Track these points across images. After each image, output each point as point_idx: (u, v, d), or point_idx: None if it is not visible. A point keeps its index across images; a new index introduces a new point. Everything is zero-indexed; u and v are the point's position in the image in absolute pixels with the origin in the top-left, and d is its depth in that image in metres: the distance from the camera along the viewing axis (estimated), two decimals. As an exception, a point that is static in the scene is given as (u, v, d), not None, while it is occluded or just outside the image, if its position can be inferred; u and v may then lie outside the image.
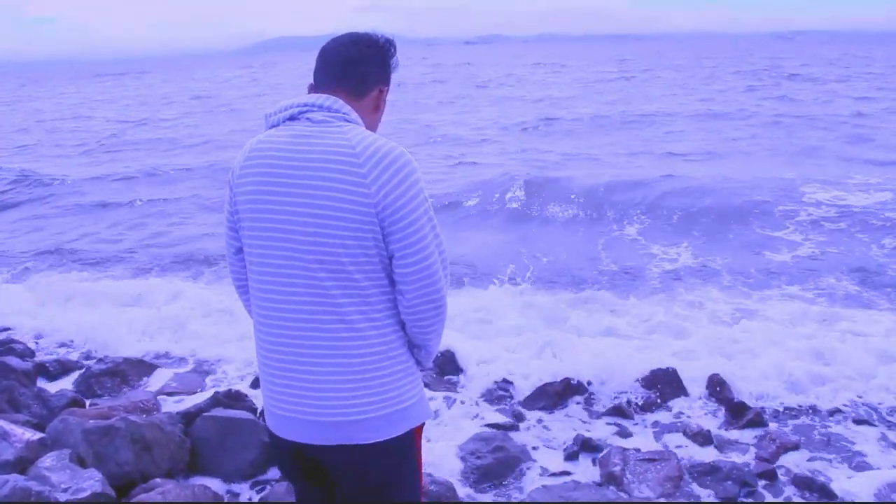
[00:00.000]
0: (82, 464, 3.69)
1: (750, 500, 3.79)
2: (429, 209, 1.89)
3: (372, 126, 2.01)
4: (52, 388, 5.11)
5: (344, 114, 1.91)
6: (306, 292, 1.87)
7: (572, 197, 11.25)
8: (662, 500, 3.76)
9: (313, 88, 2.00)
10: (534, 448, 4.36)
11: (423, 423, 2.05)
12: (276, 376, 1.96)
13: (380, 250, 1.86)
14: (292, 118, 1.93)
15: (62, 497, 3.30)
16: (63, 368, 5.66)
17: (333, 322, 1.87)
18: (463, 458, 4.13)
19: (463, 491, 3.86)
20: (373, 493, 1.99)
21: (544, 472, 4.10)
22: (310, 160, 1.84)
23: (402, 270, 1.87)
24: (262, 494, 3.81)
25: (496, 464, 4.09)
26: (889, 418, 4.59)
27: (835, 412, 4.69)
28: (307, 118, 1.91)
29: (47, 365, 5.63)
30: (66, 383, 5.38)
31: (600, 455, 4.21)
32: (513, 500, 3.83)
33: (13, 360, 5.21)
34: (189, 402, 4.83)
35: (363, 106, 1.98)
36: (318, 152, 1.84)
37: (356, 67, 1.97)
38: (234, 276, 2.17)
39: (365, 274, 1.86)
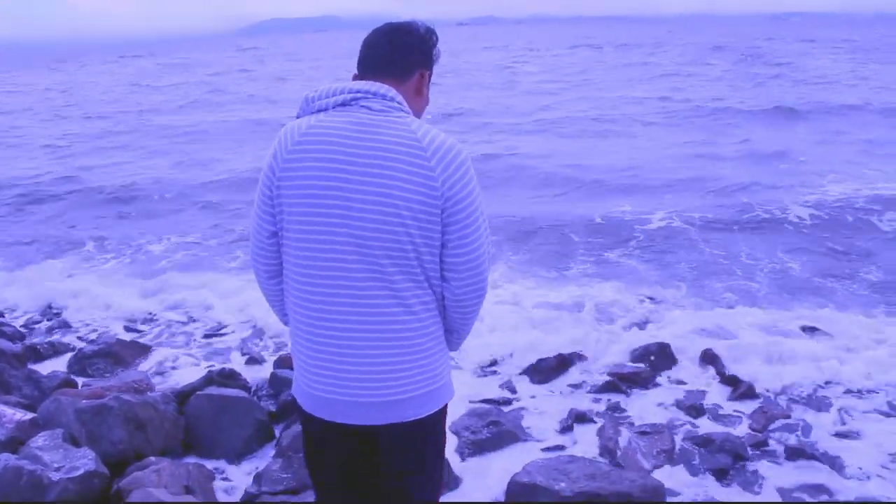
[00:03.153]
0: (75, 443, 3.67)
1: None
2: (482, 203, 1.97)
3: (417, 110, 2.05)
4: (43, 369, 5.08)
5: (398, 103, 1.95)
6: (366, 277, 1.89)
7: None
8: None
9: (357, 77, 2.03)
10: (528, 422, 4.37)
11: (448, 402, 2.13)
12: (325, 358, 1.96)
13: (439, 239, 1.92)
14: (344, 104, 1.94)
15: (55, 476, 3.28)
16: (55, 350, 5.63)
17: (393, 305, 1.91)
18: (457, 433, 4.13)
19: (458, 465, 3.87)
20: (406, 467, 2.07)
21: (539, 445, 4.11)
22: (377, 149, 1.86)
23: (455, 259, 1.94)
24: (256, 472, 3.80)
25: (491, 438, 4.11)
26: (882, 389, 4.62)
27: (827, 384, 4.71)
28: (363, 105, 1.92)
29: (39, 347, 5.60)
30: (59, 365, 5.35)
31: (594, 429, 4.22)
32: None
33: (3, 343, 5.18)
34: (183, 381, 4.82)
35: (406, 90, 2.01)
36: (385, 142, 1.87)
37: (397, 54, 2.01)
38: (263, 261, 2.09)
39: (421, 261, 1.92)
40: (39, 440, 3.58)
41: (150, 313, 6.50)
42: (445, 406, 2.10)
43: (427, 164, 1.85)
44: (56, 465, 3.36)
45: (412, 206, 1.85)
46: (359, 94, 1.93)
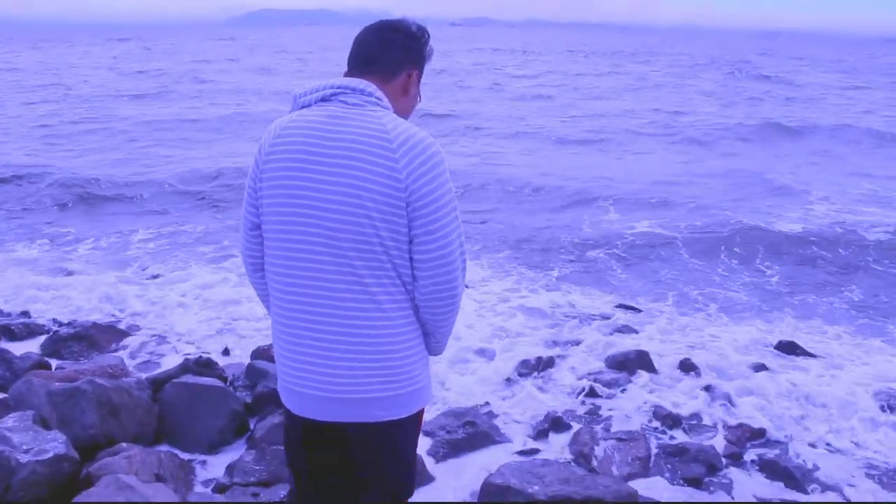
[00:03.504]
0: (46, 426, 3.62)
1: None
2: (453, 199, 1.92)
3: (403, 110, 2.03)
4: (16, 350, 5.00)
5: (377, 98, 1.93)
6: (336, 270, 1.87)
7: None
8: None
9: (347, 74, 2.02)
10: (504, 424, 4.36)
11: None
12: (299, 353, 1.95)
13: (406, 234, 1.88)
14: (325, 99, 1.94)
15: (24, 458, 3.23)
16: (29, 332, 5.55)
17: (363, 301, 1.89)
18: (433, 433, 4.11)
19: (432, 465, 3.85)
20: (377, 468, 2.03)
21: (514, 448, 4.10)
22: (345, 141, 1.85)
23: (422, 256, 1.89)
24: (229, 462, 3.76)
25: (466, 439, 4.09)
26: (859, 405, 4.65)
27: (804, 398, 4.74)
28: (341, 100, 1.92)
29: (13, 328, 5.52)
30: (32, 346, 5.27)
31: (570, 433, 4.22)
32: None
33: (-24, 322, 5.10)
34: (158, 368, 4.77)
35: (392, 89, 2.00)
36: (354, 134, 1.85)
37: (384, 52, 1.99)
38: (249, 254, 2.11)
39: (390, 256, 1.88)
40: (9, 421, 3.53)
41: (128, 299, 6.41)
42: (420, 411, 2.06)
43: (392, 157, 1.83)
44: (25, 447, 3.30)
45: (377, 198, 1.83)
46: (338, 90, 1.93)
